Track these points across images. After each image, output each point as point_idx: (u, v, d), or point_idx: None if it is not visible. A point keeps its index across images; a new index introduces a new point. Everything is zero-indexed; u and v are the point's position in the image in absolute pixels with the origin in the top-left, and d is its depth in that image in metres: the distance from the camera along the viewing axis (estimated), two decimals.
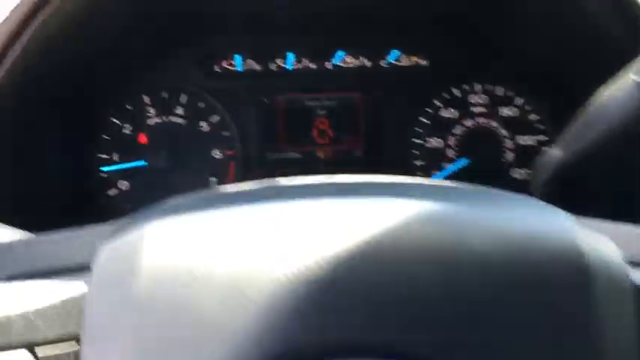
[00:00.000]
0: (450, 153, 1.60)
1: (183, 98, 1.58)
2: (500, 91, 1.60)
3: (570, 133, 1.01)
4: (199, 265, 0.52)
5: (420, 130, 1.60)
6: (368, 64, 1.61)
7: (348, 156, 1.61)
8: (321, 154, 1.61)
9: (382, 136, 1.61)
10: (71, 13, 1.09)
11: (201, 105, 1.58)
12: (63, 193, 1.46)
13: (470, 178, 1.58)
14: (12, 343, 0.56)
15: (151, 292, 0.52)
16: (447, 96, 1.60)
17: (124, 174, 1.56)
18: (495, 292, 0.50)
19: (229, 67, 1.60)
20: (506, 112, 1.61)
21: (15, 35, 1.05)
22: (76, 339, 0.57)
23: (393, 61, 1.62)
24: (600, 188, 1.36)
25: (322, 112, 1.61)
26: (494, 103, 1.61)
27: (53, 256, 0.63)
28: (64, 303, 0.57)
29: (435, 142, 1.61)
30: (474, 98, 1.61)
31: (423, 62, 1.62)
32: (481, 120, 1.61)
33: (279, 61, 1.60)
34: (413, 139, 1.60)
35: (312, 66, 1.61)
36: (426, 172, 1.60)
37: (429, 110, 1.60)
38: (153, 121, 1.57)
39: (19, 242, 0.66)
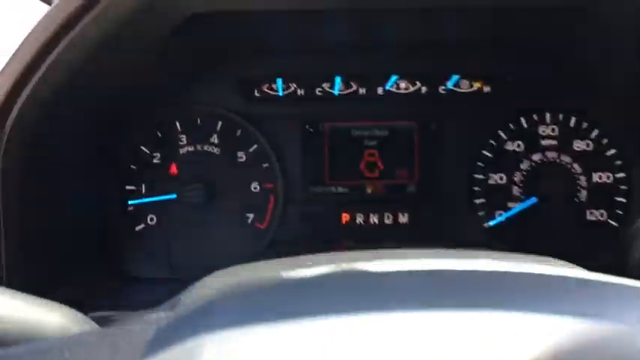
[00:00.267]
0: (516, 191, 1.42)
1: (219, 125, 1.43)
2: (573, 121, 1.42)
3: None
4: None
5: (482, 165, 1.42)
6: (424, 90, 1.45)
7: (400, 192, 1.44)
8: (369, 189, 1.45)
9: (439, 170, 1.43)
10: (100, 34, 0.95)
11: (239, 133, 1.43)
12: (86, 230, 1.33)
13: (538, 219, 1.40)
14: None
15: None
16: (512, 126, 1.43)
17: (152, 207, 1.42)
18: None
19: (270, 92, 1.45)
20: (580, 145, 1.42)
21: (40, 57, 0.92)
22: None
23: (453, 87, 1.45)
24: None
25: (372, 143, 1.44)
26: (567, 135, 1.42)
27: None
28: None
29: (498, 178, 1.43)
30: (543, 129, 1.43)
31: (486, 88, 1.45)
32: (551, 154, 1.42)
33: (325, 86, 1.45)
34: (474, 175, 1.42)
35: (362, 91, 1.45)
36: (488, 212, 1.42)
37: (493, 142, 1.43)
38: (185, 149, 1.43)
39: (62, 343, 0.51)
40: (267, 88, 1.45)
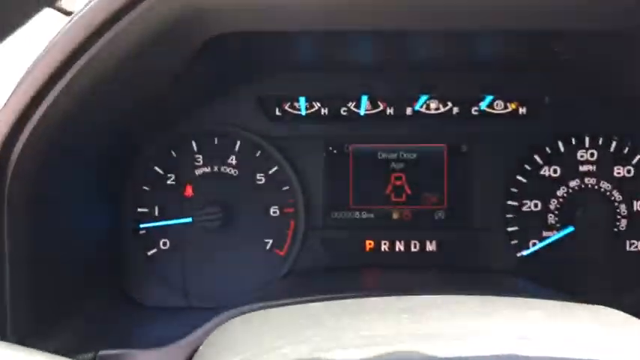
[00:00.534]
0: (551, 219, 1.34)
1: (238, 145, 1.35)
2: (614, 146, 1.33)
3: None
4: None
5: (516, 191, 1.34)
6: (456, 110, 1.36)
7: (428, 218, 1.36)
8: (395, 215, 1.36)
9: (470, 196, 1.35)
10: (121, 53, 0.87)
11: (258, 154, 1.35)
12: (96, 256, 1.25)
13: (574, 249, 1.32)
14: None
15: None
16: (549, 150, 1.34)
17: (166, 231, 1.34)
18: None
19: (292, 111, 1.37)
20: (620, 171, 1.33)
21: (55, 76, 0.85)
22: None
23: (487, 108, 1.36)
24: None
25: (399, 166, 1.36)
26: (607, 160, 1.34)
27: None
28: None
29: (533, 205, 1.34)
30: (582, 154, 1.34)
31: (522, 110, 1.36)
32: (589, 180, 1.34)
33: (350, 105, 1.36)
34: (507, 202, 1.34)
35: (390, 111, 1.36)
36: (522, 241, 1.34)
37: (528, 167, 1.34)
38: (201, 170, 1.35)
39: None
40: (290, 107, 1.36)
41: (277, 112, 1.37)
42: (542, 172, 1.34)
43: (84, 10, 0.86)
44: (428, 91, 1.34)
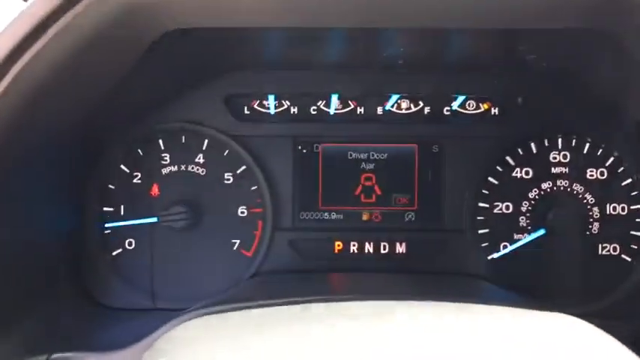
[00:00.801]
0: (523, 221, 1.32)
1: (205, 144, 1.32)
2: (587, 148, 1.32)
3: None
4: None
5: (487, 193, 1.32)
6: (428, 110, 1.34)
7: (398, 220, 1.34)
8: (365, 216, 1.34)
9: (440, 197, 1.33)
10: (73, 43, 0.84)
11: (226, 153, 1.32)
12: (57, 255, 1.23)
13: (546, 253, 1.30)
14: None
15: None
16: (521, 152, 1.32)
17: (131, 231, 1.32)
18: None
19: (261, 109, 1.34)
20: (593, 173, 1.32)
21: (5, 66, 0.81)
22: None
23: (459, 108, 1.34)
24: None
25: (369, 167, 1.34)
26: (580, 162, 1.32)
27: None
28: None
29: (504, 207, 1.32)
30: (554, 155, 1.32)
31: (494, 110, 1.34)
32: (562, 182, 1.32)
33: (320, 104, 1.34)
34: (478, 203, 1.32)
35: (360, 110, 1.34)
36: (492, 244, 1.32)
37: (499, 168, 1.32)
38: (168, 169, 1.33)
39: None
40: (258, 105, 1.34)
41: (246, 111, 1.34)
42: (514, 174, 1.32)
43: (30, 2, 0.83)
44: (398, 91, 1.32)
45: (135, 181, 1.32)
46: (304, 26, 0.95)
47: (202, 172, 1.32)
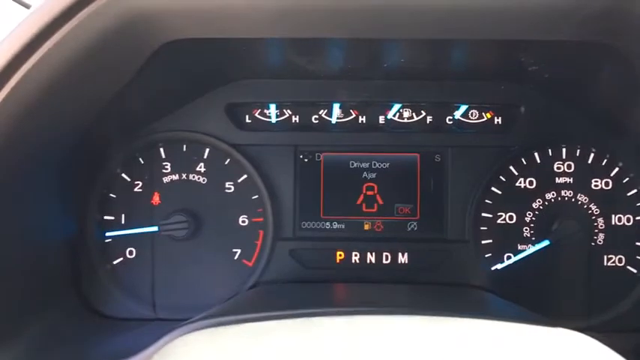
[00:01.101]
0: (527, 232, 1.30)
1: (206, 153, 1.32)
2: (592, 157, 1.30)
3: None
4: None
5: (490, 203, 1.31)
6: (430, 119, 1.33)
7: (400, 230, 1.32)
8: (367, 226, 1.33)
9: (443, 207, 1.32)
10: (74, 51, 0.84)
11: (227, 162, 1.32)
12: (56, 264, 1.22)
13: (550, 264, 1.29)
14: None
15: None
16: (525, 161, 1.31)
17: (132, 240, 1.31)
18: None
19: (262, 118, 1.34)
20: (598, 183, 1.30)
21: (7, 72, 0.81)
22: None
23: (461, 118, 1.33)
24: None
25: (371, 176, 1.33)
26: (584, 172, 1.30)
27: None
28: None
29: (508, 217, 1.31)
30: (558, 165, 1.31)
31: (498, 119, 1.33)
32: (566, 193, 1.30)
33: (322, 113, 1.34)
34: (481, 214, 1.31)
35: (362, 119, 1.33)
36: (496, 255, 1.30)
37: (503, 178, 1.31)
38: (169, 178, 1.32)
39: None
40: (260, 114, 1.34)
41: (247, 120, 1.34)
42: (517, 184, 1.31)
43: (35, 8, 0.82)
44: (401, 100, 1.31)
45: (136, 189, 1.32)
46: (301, 37, 0.95)
47: (203, 181, 1.32)
